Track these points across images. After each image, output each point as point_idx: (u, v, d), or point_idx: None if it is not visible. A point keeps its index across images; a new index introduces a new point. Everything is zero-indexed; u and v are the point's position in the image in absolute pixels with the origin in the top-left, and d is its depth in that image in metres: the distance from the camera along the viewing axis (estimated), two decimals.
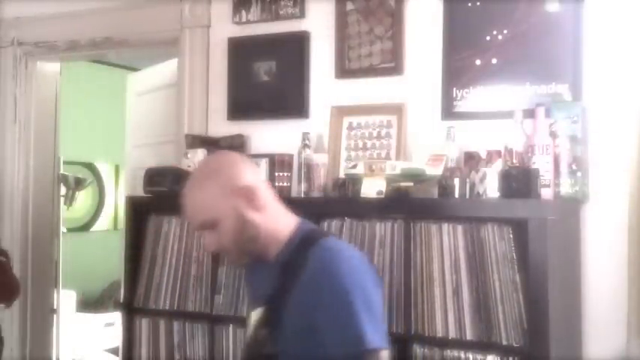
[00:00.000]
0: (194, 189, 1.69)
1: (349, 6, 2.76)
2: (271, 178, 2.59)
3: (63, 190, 4.22)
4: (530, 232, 2.04)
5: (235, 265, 1.81)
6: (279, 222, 1.74)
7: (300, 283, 1.62)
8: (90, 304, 5.83)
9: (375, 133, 2.67)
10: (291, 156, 2.67)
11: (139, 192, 2.75)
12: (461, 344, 2.11)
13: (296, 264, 1.65)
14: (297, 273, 1.63)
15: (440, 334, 2.14)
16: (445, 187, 2.23)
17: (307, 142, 2.60)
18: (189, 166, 2.72)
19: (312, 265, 1.63)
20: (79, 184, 4.44)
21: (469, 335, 2.11)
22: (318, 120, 2.77)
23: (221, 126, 2.98)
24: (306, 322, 1.59)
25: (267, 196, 1.73)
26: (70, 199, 4.40)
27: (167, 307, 2.60)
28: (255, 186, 1.70)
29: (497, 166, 2.25)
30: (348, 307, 1.55)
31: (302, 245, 1.68)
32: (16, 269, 3.50)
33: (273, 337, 1.64)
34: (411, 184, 2.27)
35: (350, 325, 1.54)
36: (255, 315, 1.74)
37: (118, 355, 3.28)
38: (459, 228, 2.16)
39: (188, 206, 1.69)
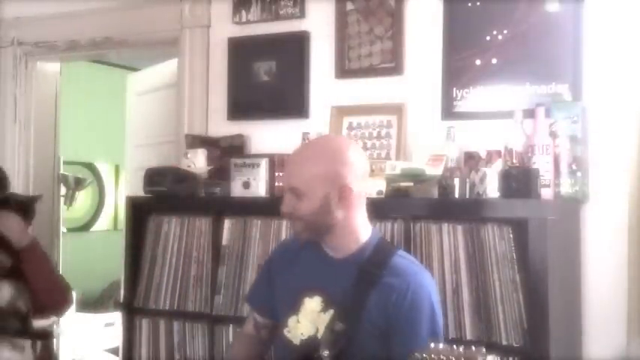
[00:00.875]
0: (307, 158, 1.77)
1: (349, 6, 2.76)
2: (271, 178, 2.58)
3: (63, 190, 4.22)
4: (530, 232, 2.04)
5: (296, 236, 1.83)
6: (360, 226, 1.81)
7: (381, 285, 1.71)
8: (90, 304, 5.83)
9: (375, 133, 2.68)
10: None
11: (139, 192, 2.75)
12: (461, 344, 2.10)
13: (376, 267, 1.74)
14: (377, 275, 1.72)
15: None
16: (445, 187, 2.23)
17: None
18: (189, 166, 2.73)
19: (394, 272, 1.73)
20: (79, 184, 4.44)
21: (469, 335, 2.11)
22: (318, 120, 2.77)
23: (221, 126, 2.98)
24: (383, 322, 1.70)
25: (359, 202, 1.80)
26: (70, 199, 4.40)
27: (167, 307, 2.60)
28: (353, 191, 1.76)
29: (497, 166, 2.25)
30: (423, 321, 1.70)
31: (379, 251, 1.79)
32: None
33: (349, 334, 1.69)
34: (411, 184, 2.27)
35: (420, 335, 1.67)
36: (313, 303, 1.77)
37: (118, 355, 3.27)
38: (459, 228, 2.16)
39: (291, 167, 1.80)
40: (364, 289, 1.72)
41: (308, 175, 1.73)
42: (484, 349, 1.36)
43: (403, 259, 1.81)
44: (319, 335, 1.74)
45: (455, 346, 1.35)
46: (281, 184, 1.90)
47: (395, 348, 1.68)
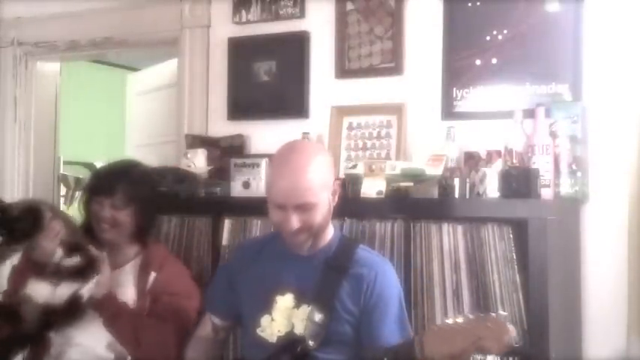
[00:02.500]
0: (306, 172, 1.80)
1: (349, 6, 2.76)
2: None
3: (63, 190, 4.22)
4: (530, 232, 2.04)
5: (299, 248, 1.88)
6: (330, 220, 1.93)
7: (350, 276, 1.85)
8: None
9: (375, 133, 2.68)
10: None
11: None
12: None
13: (343, 261, 1.88)
14: (345, 268, 1.86)
15: None
16: (445, 187, 2.23)
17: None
18: (189, 166, 2.72)
19: (360, 263, 1.87)
20: (79, 184, 4.45)
21: None
22: (318, 120, 2.77)
23: (221, 126, 2.98)
24: (355, 309, 1.83)
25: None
26: (70, 199, 4.40)
27: None
28: (340, 183, 1.95)
29: (497, 166, 2.25)
30: (390, 305, 1.85)
31: (344, 246, 1.93)
32: None
33: (327, 324, 1.80)
34: (411, 184, 2.27)
35: (392, 320, 1.84)
36: (285, 301, 1.86)
37: None
38: (459, 228, 2.16)
39: (294, 185, 1.80)
40: (335, 281, 1.84)
41: (315, 188, 1.80)
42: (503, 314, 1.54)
43: (366, 251, 1.95)
44: (296, 330, 1.83)
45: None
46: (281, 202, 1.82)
47: (369, 330, 1.82)
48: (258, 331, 1.88)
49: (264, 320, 1.87)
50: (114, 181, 2.22)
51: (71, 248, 2.15)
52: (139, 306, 2.17)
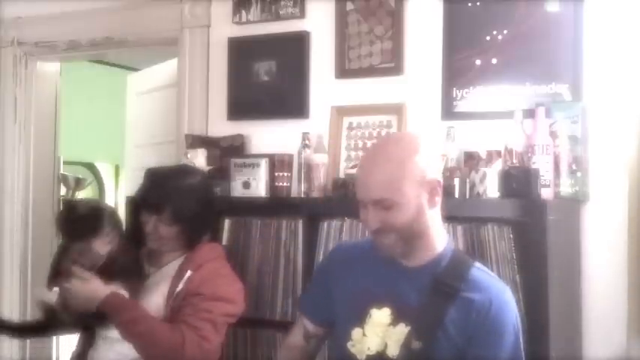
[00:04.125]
0: (387, 163, 1.59)
1: (349, 6, 2.76)
2: (271, 178, 2.59)
3: (63, 190, 4.22)
4: (530, 232, 2.04)
5: (388, 252, 1.65)
6: (439, 230, 1.68)
7: (460, 300, 1.59)
8: None
9: (375, 133, 2.67)
10: (291, 156, 2.66)
11: None
12: None
13: (454, 280, 1.61)
14: (455, 289, 1.60)
15: None
16: (445, 187, 2.23)
17: (307, 142, 2.60)
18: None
19: (474, 286, 1.61)
20: (79, 184, 4.45)
21: None
22: (318, 120, 2.77)
23: (221, 126, 2.98)
24: (461, 342, 1.58)
25: (441, 196, 1.67)
26: (69, 199, 4.40)
27: None
28: (440, 181, 1.66)
29: (497, 166, 2.25)
30: (504, 340, 1.59)
31: (456, 262, 1.66)
32: (17, 269, 3.51)
33: (426, 353, 1.56)
34: None
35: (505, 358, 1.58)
36: (381, 316, 1.63)
37: None
38: (459, 228, 2.16)
39: (371, 177, 1.61)
40: (442, 304, 1.58)
41: (396, 182, 1.58)
42: None
43: (483, 272, 1.69)
44: (388, 352, 1.61)
45: None
46: (363, 195, 1.62)
47: None
48: (349, 345, 1.66)
49: (356, 333, 1.66)
50: (161, 198, 2.12)
51: (113, 259, 2.15)
52: (167, 308, 2.10)
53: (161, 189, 2.16)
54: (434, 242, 1.67)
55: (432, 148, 1.69)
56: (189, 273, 2.13)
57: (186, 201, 2.15)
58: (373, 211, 1.60)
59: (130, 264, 2.18)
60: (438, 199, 1.64)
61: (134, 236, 2.21)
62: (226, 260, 2.28)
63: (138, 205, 2.19)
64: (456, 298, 1.59)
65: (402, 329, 1.59)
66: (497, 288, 1.64)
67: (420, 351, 1.55)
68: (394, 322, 1.61)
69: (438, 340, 1.56)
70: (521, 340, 1.63)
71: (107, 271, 2.12)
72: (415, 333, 1.57)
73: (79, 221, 2.12)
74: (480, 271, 1.67)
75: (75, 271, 2.07)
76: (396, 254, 1.65)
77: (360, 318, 1.65)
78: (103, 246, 2.14)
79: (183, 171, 2.31)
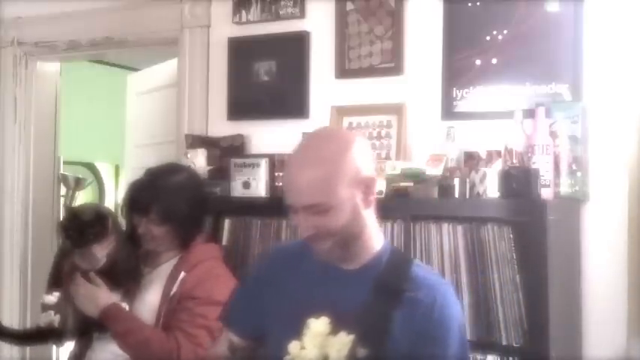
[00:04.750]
0: (318, 165, 1.46)
1: (349, 6, 2.76)
2: (271, 178, 2.59)
3: (63, 190, 4.22)
4: (530, 232, 2.04)
5: (325, 257, 1.54)
6: (376, 229, 1.59)
7: (405, 301, 1.50)
8: None
9: (375, 133, 2.67)
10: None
11: None
12: None
13: (397, 280, 1.52)
14: (399, 290, 1.51)
15: None
16: (445, 187, 2.23)
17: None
18: (189, 166, 2.72)
19: (417, 284, 1.53)
20: (79, 184, 4.44)
21: (469, 335, 2.10)
22: (318, 120, 2.77)
23: (221, 126, 2.98)
24: (407, 345, 1.49)
25: (375, 194, 1.56)
26: (70, 199, 4.39)
27: None
28: (374, 178, 1.55)
29: (497, 166, 2.25)
30: (450, 339, 1.52)
31: (396, 261, 1.58)
32: (17, 269, 3.51)
33: (373, 359, 1.46)
34: (411, 184, 2.27)
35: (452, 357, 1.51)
36: (320, 324, 1.50)
37: None
38: (459, 228, 2.16)
39: (303, 181, 1.47)
40: (386, 307, 1.49)
41: (327, 185, 1.45)
42: None
43: (423, 269, 1.61)
44: None
45: None
46: (292, 201, 1.50)
47: None
48: (286, 359, 1.53)
49: (293, 347, 1.52)
50: (147, 199, 2.12)
51: (113, 261, 2.15)
52: (161, 309, 2.10)
53: (147, 189, 2.15)
54: (371, 243, 1.57)
55: (363, 143, 1.57)
56: (182, 274, 2.12)
57: (173, 200, 2.14)
58: (305, 217, 1.48)
59: (129, 266, 2.18)
60: (373, 198, 1.54)
61: (133, 237, 2.21)
62: (222, 260, 2.27)
63: (128, 207, 2.19)
64: (400, 299, 1.50)
65: (344, 338, 1.47)
66: (440, 285, 1.57)
67: (367, 358, 1.45)
68: (334, 330, 1.49)
69: (384, 346, 1.47)
70: (466, 336, 1.57)
71: (106, 273, 2.13)
72: (360, 340, 1.46)
73: (83, 228, 2.12)
74: (420, 269, 1.59)
75: (91, 277, 2.09)
76: (334, 259, 1.55)
77: (296, 329, 1.51)
78: (102, 250, 2.14)
79: (169, 170, 2.27)
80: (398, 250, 1.72)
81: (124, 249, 2.19)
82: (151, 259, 2.23)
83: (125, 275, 2.15)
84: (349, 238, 1.53)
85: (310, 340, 1.50)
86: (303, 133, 2.60)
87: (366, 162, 1.53)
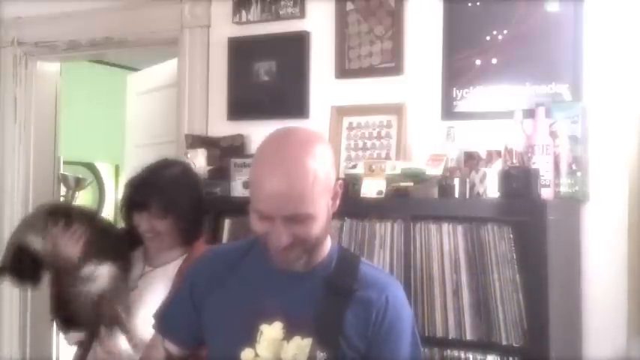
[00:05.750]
0: (298, 175, 1.39)
1: (349, 6, 2.76)
2: None
3: (63, 190, 4.22)
4: (530, 232, 2.04)
5: (287, 267, 1.48)
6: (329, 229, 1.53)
7: (356, 301, 1.48)
8: None
9: (375, 133, 2.67)
10: None
11: None
12: (461, 344, 2.11)
13: (346, 280, 1.49)
14: (349, 290, 1.48)
15: (440, 334, 2.14)
16: (445, 187, 2.23)
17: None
18: (183, 161, 2.72)
19: (367, 283, 1.50)
20: (79, 184, 4.43)
21: (469, 335, 2.11)
22: (318, 120, 2.77)
23: (221, 126, 2.98)
24: (362, 345, 1.47)
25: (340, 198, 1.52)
26: (70, 199, 4.39)
27: None
28: (342, 183, 1.52)
29: (497, 166, 2.25)
30: (404, 335, 1.52)
31: (345, 260, 1.55)
32: None
33: None
34: (411, 184, 2.27)
35: (407, 352, 1.51)
36: (273, 330, 1.47)
37: None
38: (459, 228, 2.16)
39: (283, 192, 1.39)
40: (338, 308, 1.46)
41: (313, 193, 1.40)
42: None
43: (371, 267, 1.60)
44: None
45: None
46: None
47: None
48: None
49: (246, 355, 1.47)
50: (147, 193, 2.10)
51: (91, 254, 2.10)
52: None
53: (145, 184, 2.15)
54: (325, 244, 1.54)
55: (327, 145, 1.53)
56: None
57: (172, 190, 2.13)
58: (284, 227, 1.40)
59: (110, 245, 2.15)
60: (338, 203, 1.51)
61: (132, 237, 2.20)
62: None
63: (128, 208, 2.16)
64: (351, 298, 1.47)
65: (299, 342, 1.45)
66: (389, 283, 1.56)
67: (326, 358, 1.43)
68: (288, 335, 1.46)
69: (340, 348, 1.44)
70: (417, 332, 1.56)
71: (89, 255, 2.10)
72: (318, 343, 1.43)
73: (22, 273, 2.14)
74: (368, 267, 1.56)
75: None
76: (299, 266, 1.49)
77: (248, 337, 1.47)
78: (70, 247, 2.11)
79: (165, 164, 2.26)
80: (345, 249, 1.68)
81: (99, 232, 2.17)
82: (152, 258, 2.21)
83: (109, 254, 2.11)
84: (317, 244, 1.49)
85: (265, 347, 1.46)
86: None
87: (333, 166, 1.49)
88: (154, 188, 2.12)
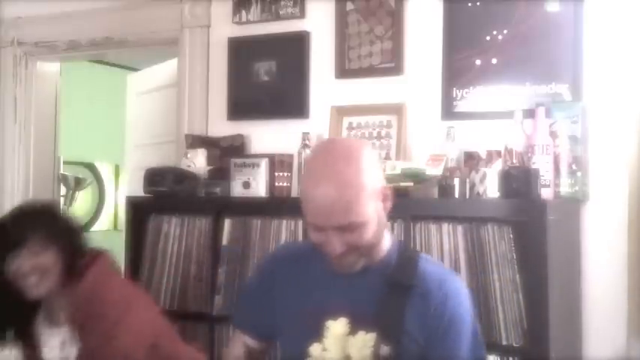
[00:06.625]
0: (345, 186, 1.45)
1: (349, 6, 2.76)
2: (271, 178, 2.59)
3: (63, 190, 4.22)
4: (530, 232, 2.04)
5: (345, 270, 1.55)
6: (387, 228, 1.62)
7: (416, 297, 1.53)
8: None
9: (375, 133, 2.68)
10: (291, 156, 2.66)
11: (139, 192, 2.75)
12: None
13: (406, 276, 1.55)
14: (409, 286, 1.54)
15: None
16: (445, 187, 2.23)
17: (307, 142, 2.60)
18: (189, 166, 2.73)
19: (427, 279, 1.55)
20: (79, 184, 4.45)
21: None
22: (318, 120, 2.77)
23: (221, 126, 2.98)
24: (422, 339, 1.52)
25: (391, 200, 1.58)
26: (70, 199, 4.40)
27: (167, 307, 2.60)
28: (390, 187, 1.58)
29: (497, 166, 2.25)
30: (464, 331, 1.54)
31: (405, 257, 1.60)
32: None
33: (395, 358, 1.50)
34: (411, 184, 2.27)
35: (466, 348, 1.54)
36: (339, 326, 1.54)
37: None
38: (459, 228, 2.16)
39: (333, 204, 1.45)
40: (399, 304, 1.52)
41: (362, 201, 1.46)
42: None
43: (431, 263, 1.64)
44: None
45: None
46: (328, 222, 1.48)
47: None
48: None
49: (315, 350, 1.54)
50: (22, 232, 1.93)
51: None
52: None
53: (17, 226, 1.97)
54: (383, 243, 1.60)
55: (373, 152, 1.63)
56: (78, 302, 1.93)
57: (47, 221, 1.99)
58: (336, 236, 1.48)
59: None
60: (389, 204, 1.56)
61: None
62: (114, 272, 2.10)
63: (3, 255, 1.94)
64: (411, 295, 1.53)
65: (363, 337, 1.52)
66: (448, 278, 1.60)
67: (390, 355, 1.49)
68: (353, 331, 1.53)
69: (401, 342, 1.51)
70: (478, 325, 1.58)
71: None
72: (381, 338, 1.50)
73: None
74: (427, 263, 1.61)
75: None
76: (357, 268, 1.56)
77: (316, 333, 1.55)
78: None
79: (28, 205, 2.12)
80: (406, 247, 1.75)
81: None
82: (51, 320, 2.01)
83: None
84: (372, 247, 1.55)
85: (331, 342, 1.54)
86: (303, 133, 2.62)
87: (379, 172, 1.57)
88: (26, 224, 1.96)
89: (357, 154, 1.51)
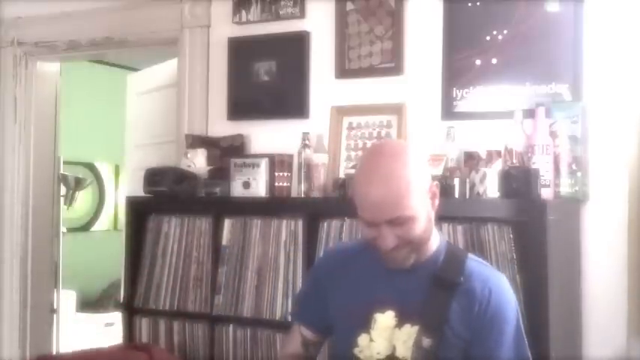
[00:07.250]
0: (394, 181, 1.55)
1: (349, 6, 2.76)
2: (271, 178, 2.59)
3: (63, 190, 4.22)
4: (530, 232, 2.04)
5: (396, 265, 1.63)
6: (434, 228, 1.69)
7: (461, 293, 1.61)
8: (90, 304, 5.83)
9: (375, 133, 2.67)
10: (291, 156, 2.67)
11: (139, 192, 2.75)
12: None
13: (452, 274, 1.63)
14: (455, 283, 1.62)
15: None
16: (445, 187, 2.23)
17: (307, 142, 2.60)
18: (189, 166, 2.73)
19: (472, 277, 1.63)
20: (79, 184, 4.44)
21: None
22: (318, 120, 2.77)
23: (221, 126, 2.98)
24: (466, 334, 1.60)
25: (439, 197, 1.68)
26: (70, 199, 4.40)
27: (167, 307, 2.60)
28: (437, 184, 1.68)
29: (497, 166, 2.25)
30: (507, 329, 1.62)
31: (452, 256, 1.68)
32: (17, 269, 3.51)
33: (436, 351, 1.59)
34: None
35: (509, 347, 1.62)
36: (386, 318, 1.64)
37: None
38: (459, 228, 2.16)
39: (383, 199, 1.55)
40: (444, 299, 1.61)
41: (407, 196, 1.55)
42: None
43: (478, 262, 1.71)
44: (397, 353, 1.62)
45: None
46: (371, 216, 1.58)
47: (482, 358, 1.60)
48: (356, 351, 1.66)
49: (362, 340, 1.65)
50: None
51: None
52: None
53: None
54: (431, 241, 1.68)
55: (420, 152, 1.72)
56: None
57: None
58: (388, 230, 1.57)
59: None
60: (437, 201, 1.66)
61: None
62: None
63: None
64: (456, 291, 1.61)
65: (408, 330, 1.61)
66: (494, 277, 1.67)
67: (431, 347, 1.58)
68: (399, 323, 1.63)
69: (445, 335, 1.59)
70: (522, 324, 1.65)
71: None
72: (424, 331, 1.59)
73: None
74: (475, 262, 1.69)
75: None
76: (408, 264, 1.64)
77: (364, 324, 1.66)
78: None
79: None
80: (453, 246, 1.85)
81: None
82: None
83: None
84: (422, 243, 1.63)
85: (378, 333, 1.64)
86: (303, 133, 2.62)
87: (427, 169, 1.68)
88: None
89: (403, 153, 1.62)
